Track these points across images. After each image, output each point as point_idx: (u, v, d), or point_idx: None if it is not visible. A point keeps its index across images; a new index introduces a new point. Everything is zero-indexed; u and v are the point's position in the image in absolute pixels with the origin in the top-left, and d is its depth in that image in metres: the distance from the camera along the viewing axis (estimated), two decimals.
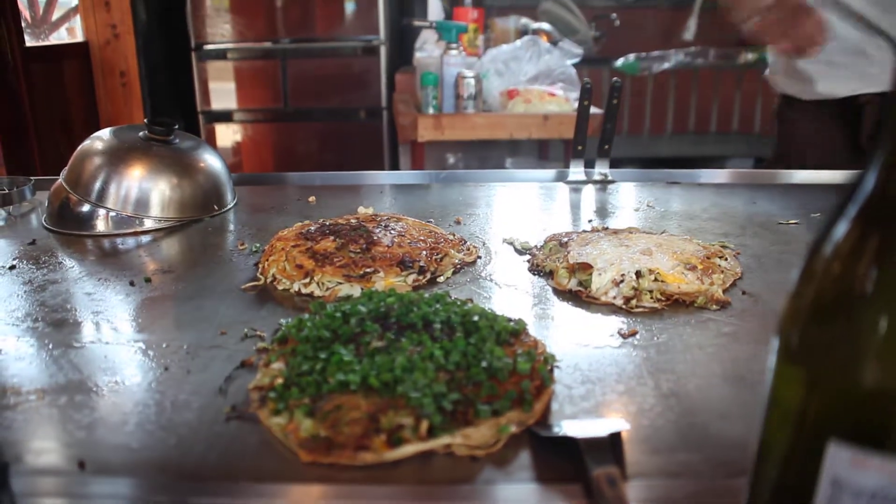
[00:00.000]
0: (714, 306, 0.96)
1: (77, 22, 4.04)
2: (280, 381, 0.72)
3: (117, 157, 1.35)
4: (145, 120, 1.41)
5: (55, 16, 4.06)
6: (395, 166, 3.97)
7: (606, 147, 1.61)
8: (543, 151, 3.76)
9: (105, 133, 1.42)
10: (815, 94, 1.90)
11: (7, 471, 0.48)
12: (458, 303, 0.84)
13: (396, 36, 4.13)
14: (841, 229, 0.37)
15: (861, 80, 1.82)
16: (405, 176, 1.77)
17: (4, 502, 0.47)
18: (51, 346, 0.87)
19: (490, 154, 3.61)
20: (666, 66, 4.66)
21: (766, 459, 0.42)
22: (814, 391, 0.38)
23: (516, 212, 1.44)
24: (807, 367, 0.38)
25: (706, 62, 4.77)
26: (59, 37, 4.08)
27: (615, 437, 0.64)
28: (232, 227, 1.37)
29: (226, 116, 4.09)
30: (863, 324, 0.36)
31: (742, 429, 0.68)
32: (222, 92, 4.06)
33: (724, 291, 0.99)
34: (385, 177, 1.75)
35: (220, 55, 3.98)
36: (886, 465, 0.35)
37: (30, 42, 3.47)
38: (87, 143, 1.40)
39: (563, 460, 0.62)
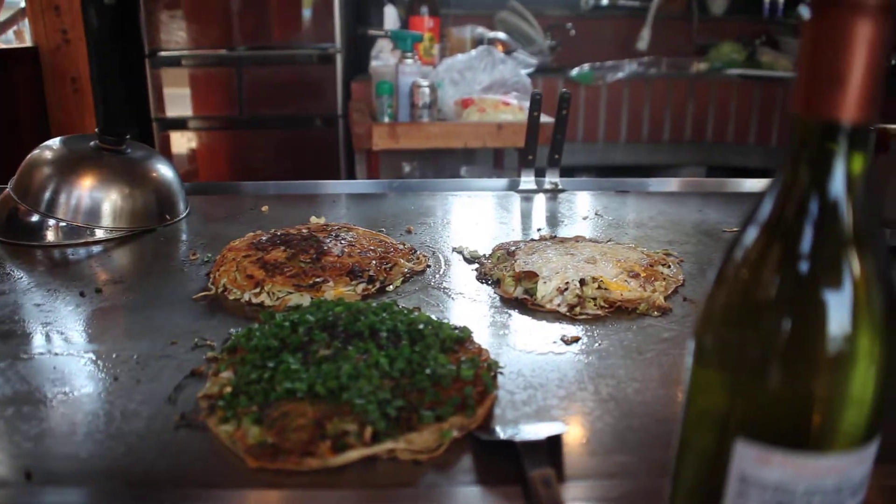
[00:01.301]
0: (656, 313, 0.99)
1: (26, 25, 3.97)
2: (229, 389, 0.73)
3: (67, 167, 1.35)
4: (97, 129, 1.41)
5: (1, 18, 3.98)
6: (351, 174, 3.97)
7: (557, 157, 1.64)
8: (498, 160, 3.79)
9: (55, 142, 1.42)
10: None
11: None
12: (405, 311, 0.86)
13: (352, 44, 4.13)
14: (746, 243, 0.40)
15: None
16: (359, 185, 1.78)
17: None
18: None
19: (445, 163, 3.64)
20: (620, 75, 4.73)
21: (683, 458, 0.45)
22: (722, 392, 0.41)
23: (468, 221, 1.46)
24: (716, 368, 0.41)
25: (659, 72, 4.85)
26: (7, 40, 4.01)
27: (554, 441, 0.66)
28: (184, 237, 1.37)
29: (181, 124, 4.06)
30: (764, 329, 0.38)
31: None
32: (177, 99, 4.03)
33: (666, 298, 1.03)
34: (339, 186, 1.76)
35: (175, 62, 3.95)
36: (787, 460, 0.38)
37: None
38: (36, 152, 1.39)
39: (503, 463, 0.64)
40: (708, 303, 0.42)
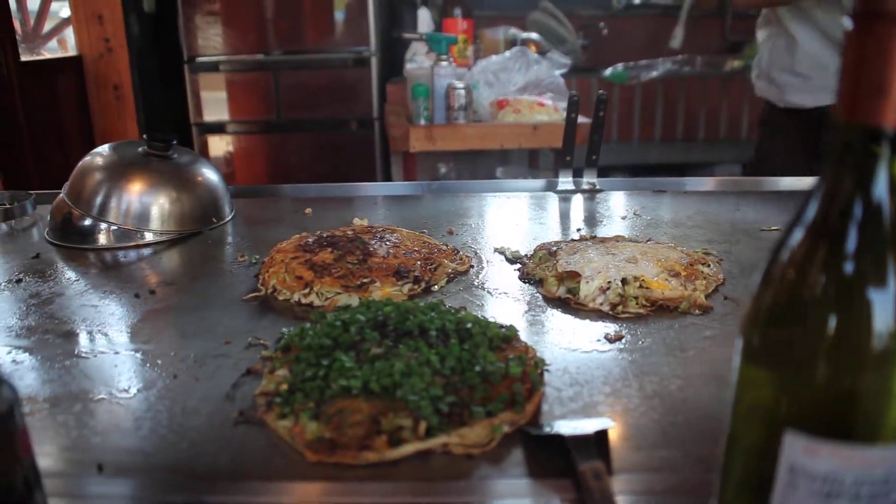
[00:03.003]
0: (697, 311, 1.00)
1: (68, 34, 4.08)
2: (285, 386, 0.76)
3: (117, 173, 1.39)
4: (144, 135, 1.45)
5: (46, 28, 4.09)
6: (387, 176, 4.01)
7: (594, 157, 1.65)
8: (533, 160, 3.80)
9: (105, 149, 1.46)
10: (785, 102, 2.01)
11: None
12: (452, 311, 0.88)
13: (387, 47, 4.17)
14: (792, 244, 0.42)
15: (824, 93, 1.94)
16: (398, 187, 1.81)
17: (36, 499, 0.51)
18: (62, 357, 0.91)
19: (481, 164, 3.66)
20: (654, 74, 4.72)
21: (732, 452, 0.47)
22: (771, 387, 0.43)
23: (507, 221, 1.48)
24: (765, 365, 0.43)
25: (693, 70, 4.83)
26: (50, 48, 4.11)
27: (601, 436, 0.68)
28: (230, 239, 1.41)
29: (219, 128, 4.12)
30: (812, 327, 0.40)
31: (721, 426, 0.72)
32: (215, 104, 4.09)
33: (707, 297, 1.04)
34: (378, 188, 1.79)
35: (213, 67, 4.02)
36: (835, 451, 0.40)
37: (23, 56, 3.50)
38: (87, 158, 1.44)
39: (553, 457, 0.66)
40: (755, 302, 0.44)
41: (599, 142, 1.64)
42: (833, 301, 0.40)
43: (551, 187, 1.70)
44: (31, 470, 0.51)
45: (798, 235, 0.42)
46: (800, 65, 2.04)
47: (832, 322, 0.39)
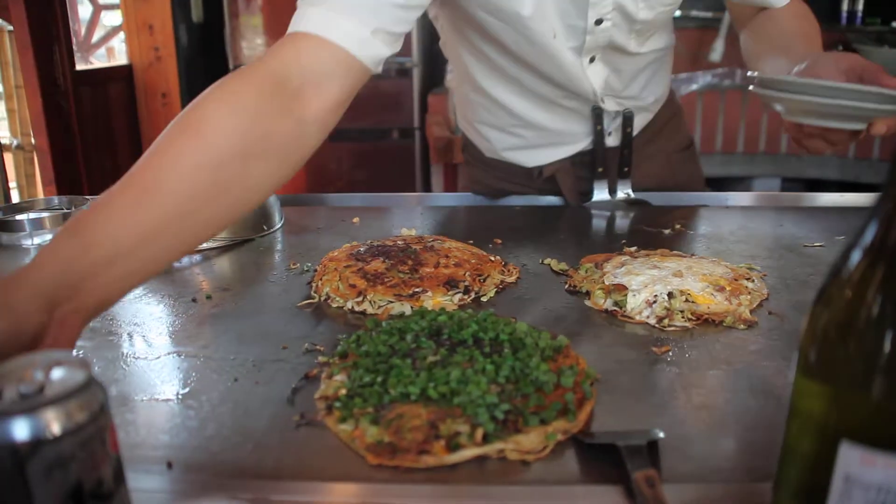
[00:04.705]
0: (742, 325, 1.01)
1: (115, 42, 4.19)
2: (344, 391, 0.79)
3: None
4: None
5: (95, 37, 4.20)
6: (426, 186, 4.04)
7: (626, 169, 1.66)
8: None
9: None
10: (501, 157, 1.79)
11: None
12: (505, 321, 0.91)
13: (429, 58, 4.21)
14: (851, 263, 0.44)
15: (545, 150, 1.72)
16: (442, 198, 1.84)
17: (122, 492, 0.55)
18: (125, 358, 0.95)
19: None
20: (693, 87, 4.71)
21: (787, 463, 0.49)
22: (827, 400, 0.45)
23: (551, 233, 1.49)
24: (821, 379, 0.45)
25: (733, 83, 4.80)
26: (97, 56, 4.22)
27: (652, 445, 0.70)
28: (280, 246, 1.44)
29: None
30: (868, 345, 0.42)
31: (767, 438, 0.73)
32: None
33: (752, 311, 1.05)
34: (422, 198, 1.82)
35: None
36: (891, 461, 0.42)
37: (78, 65, 3.59)
38: None
39: (606, 465, 0.69)
40: (812, 319, 0.46)
41: (630, 155, 1.65)
42: (890, 321, 0.42)
43: (589, 199, 1.70)
44: (119, 464, 0.54)
45: (857, 256, 0.44)
46: (511, 125, 1.70)
47: (888, 341, 0.41)
